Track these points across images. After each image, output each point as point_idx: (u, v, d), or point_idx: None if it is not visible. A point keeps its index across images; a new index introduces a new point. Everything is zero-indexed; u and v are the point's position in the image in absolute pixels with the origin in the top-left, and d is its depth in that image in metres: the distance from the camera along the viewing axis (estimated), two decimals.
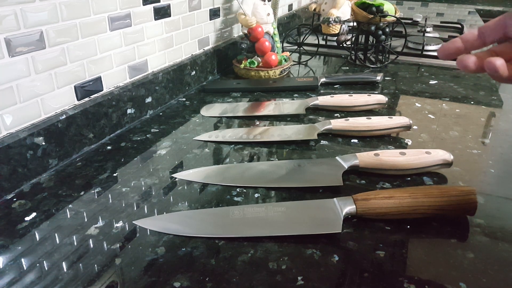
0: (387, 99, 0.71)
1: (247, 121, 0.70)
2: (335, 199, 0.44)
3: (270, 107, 0.74)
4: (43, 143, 0.52)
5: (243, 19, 0.87)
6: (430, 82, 0.89)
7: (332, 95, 0.74)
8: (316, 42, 1.08)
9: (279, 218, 0.43)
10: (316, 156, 0.58)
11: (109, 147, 0.60)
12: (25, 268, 0.37)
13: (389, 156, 0.52)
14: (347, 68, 1.00)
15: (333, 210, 0.43)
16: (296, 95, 0.81)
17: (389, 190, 0.44)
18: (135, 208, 0.46)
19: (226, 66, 0.96)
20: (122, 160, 0.56)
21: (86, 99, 0.59)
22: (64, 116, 0.55)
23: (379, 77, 0.86)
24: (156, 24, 0.71)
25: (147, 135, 0.64)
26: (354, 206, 0.42)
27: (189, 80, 0.83)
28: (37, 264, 0.38)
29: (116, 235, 0.42)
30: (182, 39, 0.80)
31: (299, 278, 0.36)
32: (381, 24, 0.96)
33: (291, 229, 0.42)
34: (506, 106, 0.76)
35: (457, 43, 0.37)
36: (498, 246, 0.40)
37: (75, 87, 0.57)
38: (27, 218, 0.44)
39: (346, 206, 0.42)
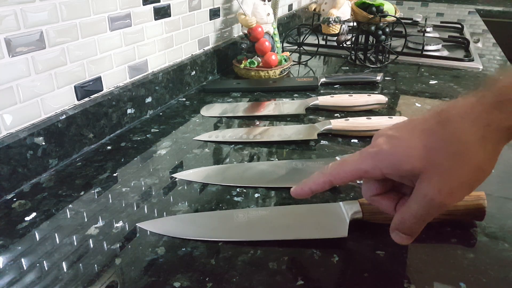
0: (387, 99, 0.71)
1: (247, 121, 0.70)
2: (341, 203, 0.43)
3: (270, 107, 0.74)
4: (43, 143, 0.52)
5: (243, 19, 0.87)
6: (430, 82, 0.89)
7: (332, 95, 0.74)
8: (316, 42, 1.08)
9: (284, 222, 0.43)
10: (316, 156, 0.58)
11: (109, 147, 0.60)
12: (25, 268, 0.37)
13: None
14: (347, 68, 1.00)
15: (339, 215, 0.42)
16: (296, 95, 0.81)
17: None
18: (135, 208, 0.46)
19: (226, 66, 0.96)
20: (122, 160, 0.56)
21: (86, 99, 0.59)
22: (64, 116, 0.55)
23: (379, 77, 0.86)
24: (156, 24, 0.71)
25: (147, 135, 0.64)
26: (361, 211, 0.42)
27: (189, 80, 0.83)
28: (37, 264, 0.38)
29: (116, 235, 0.42)
30: (182, 39, 0.80)
31: (299, 278, 0.36)
32: (381, 24, 0.96)
33: (296, 233, 0.41)
34: None
35: (308, 189, 0.37)
36: (498, 246, 0.40)
37: (75, 87, 0.57)
38: (27, 218, 0.44)
39: (352, 210, 0.42)
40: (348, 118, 0.64)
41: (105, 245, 0.40)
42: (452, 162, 0.29)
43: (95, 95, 0.61)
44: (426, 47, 1.11)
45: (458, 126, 0.29)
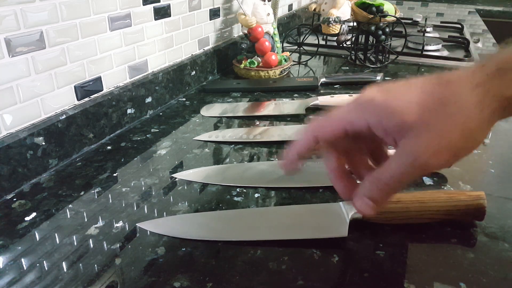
0: None
1: (247, 121, 0.70)
2: (340, 203, 0.43)
3: (270, 107, 0.74)
4: (43, 143, 0.52)
5: (243, 19, 0.87)
6: None
7: (332, 95, 0.74)
8: (316, 42, 1.08)
9: (284, 222, 0.43)
10: (316, 156, 0.58)
11: (109, 147, 0.60)
12: (25, 268, 0.37)
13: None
14: (347, 68, 1.00)
15: (339, 215, 0.42)
16: (296, 95, 0.81)
17: (396, 194, 0.43)
18: (135, 208, 0.46)
19: (226, 66, 0.96)
20: (122, 160, 0.56)
21: (86, 99, 0.59)
22: (64, 116, 0.55)
23: (379, 77, 0.86)
24: (156, 24, 0.71)
25: (147, 135, 0.64)
26: None
27: (189, 80, 0.83)
28: (37, 264, 0.38)
29: (116, 235, 0.42)
30: (182, 39, 0.80)
31: (299, 278, 0.36)
32: (381, 24, 0.96)
33: (296, 233, 0.41)
34: None
35: (294, 153, 0.34)
36: (498, 246, 0.40)
37: (75, 87, 0.57)
38: (27, 218, 0.44)
39: (352, 210, 0.42)
40: None
41: (105, 245, 0.40)
42: (446, 122, 0.29)
43: (95, 95, 0.61)
44: (426, 47, 1.11)
45: (457, 88, 0.29)
